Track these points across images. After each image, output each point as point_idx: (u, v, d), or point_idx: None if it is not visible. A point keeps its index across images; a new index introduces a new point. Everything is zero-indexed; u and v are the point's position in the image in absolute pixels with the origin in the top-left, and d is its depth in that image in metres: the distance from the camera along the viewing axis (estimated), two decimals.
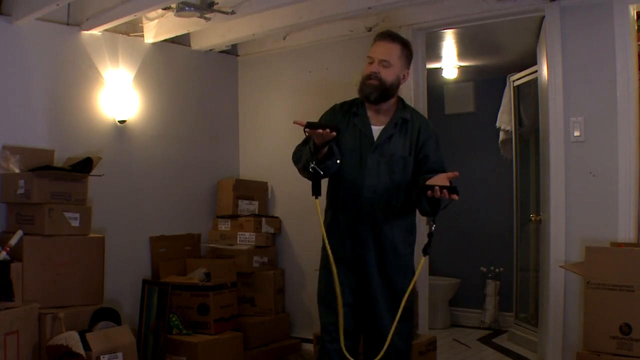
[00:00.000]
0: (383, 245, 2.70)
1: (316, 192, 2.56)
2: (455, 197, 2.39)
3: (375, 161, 2.70)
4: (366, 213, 2.69)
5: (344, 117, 2.80)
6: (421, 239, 3.01)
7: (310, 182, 2.62)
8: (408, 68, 2.80)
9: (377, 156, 2.70)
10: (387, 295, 2.70)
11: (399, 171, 2.71)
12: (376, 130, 2.75)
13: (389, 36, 2.76)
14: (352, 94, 2.85)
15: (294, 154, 2.78)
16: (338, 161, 2.61)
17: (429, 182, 2.45)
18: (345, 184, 2.72)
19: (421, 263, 2.60)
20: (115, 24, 3.72)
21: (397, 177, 2.70)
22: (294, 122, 2.52)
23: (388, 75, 2.70)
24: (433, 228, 2.55)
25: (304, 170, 2.65)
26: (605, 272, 2.73)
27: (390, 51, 2.72)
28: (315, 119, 2.77)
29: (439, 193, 2.38)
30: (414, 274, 2.72)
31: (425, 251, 2.57)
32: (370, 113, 2.78)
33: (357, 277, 2.73)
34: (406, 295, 2.59)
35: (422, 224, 3.20)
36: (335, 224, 2.75)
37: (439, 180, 2.45)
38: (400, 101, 2.83)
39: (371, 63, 2.73)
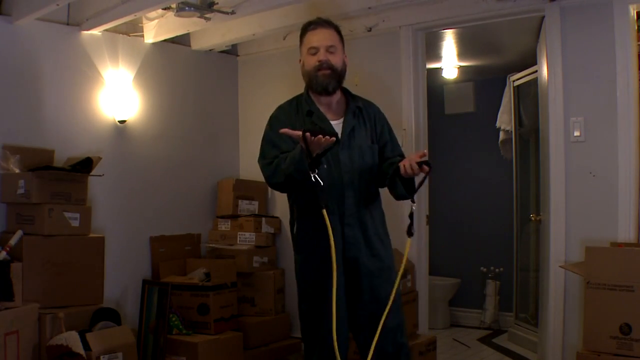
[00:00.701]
0: (371, 240, 2.62)
1: (324, 201, 2.31)
2: (425, 167, 2.39)
3: (348, 157, 2.58)
4: (351, 212, 2.59)
5: (297, 116, 2.64)
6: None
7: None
8: (344, 52, 2.71)
9: (347, 151, 2.59)
10: (383, 287, 2.61)
11: (370, 161, 2.64)
12: (335, 125, 2.61)
13: (325, 22, 2.65)
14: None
15: (265, 168, 2.57)
16: (326, 166, 2.48)
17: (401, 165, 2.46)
18: (323, 187, 2.43)
19: (407, 245, 2.50)
20: (115, 24, 3.71)
21: (369, 167, 2.64)
22: (281, 132, 2.40)
23: (337, 61, 2.61)
24: (413, 208, 2.51)
25: (287, 182, 2.48)
26: (605, 272, 2.73)
27: (332, 36, 2.63)
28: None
29: (413, 170, 2.39)
30: (396, 270, 2.67)
31: (409, 232, 2.49)
32: (322, 108, 2.64)
33: (347, 279, 2.60)
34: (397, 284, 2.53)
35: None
36: (319, 230, 2.43)
37: (411, 160, 2.44)
38: (346, 91, 2.74)
39: (315, 53, 2.60)
